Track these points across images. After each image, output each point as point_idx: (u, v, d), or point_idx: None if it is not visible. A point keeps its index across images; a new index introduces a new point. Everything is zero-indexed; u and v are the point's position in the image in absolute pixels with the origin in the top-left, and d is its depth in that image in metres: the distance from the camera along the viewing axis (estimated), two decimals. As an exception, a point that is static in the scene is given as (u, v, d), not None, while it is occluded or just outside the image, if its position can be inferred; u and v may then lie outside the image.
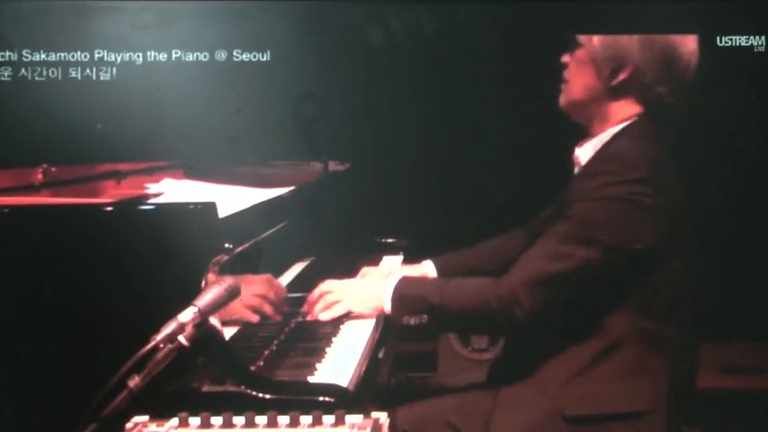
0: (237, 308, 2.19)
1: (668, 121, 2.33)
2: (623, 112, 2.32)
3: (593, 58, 2.31)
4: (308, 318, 2.38)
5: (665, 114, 2.32)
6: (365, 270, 2.74)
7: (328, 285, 2.41)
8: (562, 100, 2.39)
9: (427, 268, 2.69)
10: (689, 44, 2.31)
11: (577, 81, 2.35)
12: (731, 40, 2.54)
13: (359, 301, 2.37)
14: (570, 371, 2.25)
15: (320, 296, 2.39)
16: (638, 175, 2.20)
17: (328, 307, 2.36)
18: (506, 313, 2.21)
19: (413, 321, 2.32)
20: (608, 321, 2.23)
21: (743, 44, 2.54)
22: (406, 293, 2.33)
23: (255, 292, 2.26)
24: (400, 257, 3.22)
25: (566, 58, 2.37)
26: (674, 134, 2.33)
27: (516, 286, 2.20)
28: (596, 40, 2.31)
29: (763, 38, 2.53)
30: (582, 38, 2.33)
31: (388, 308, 2.33)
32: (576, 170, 2.37)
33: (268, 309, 2.31)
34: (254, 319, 2.25)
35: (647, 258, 2.20)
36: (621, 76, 2.29)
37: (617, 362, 2.23)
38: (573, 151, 2.39)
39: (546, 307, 2.21)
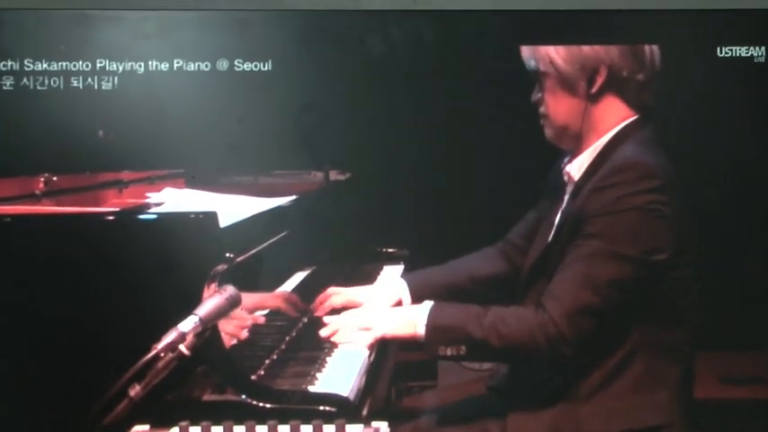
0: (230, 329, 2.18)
1: (662, 127, 2.33)
2: (611, 119, 2.31)
3: (564, 80, 2.30)
4: (336, 339, 2.33)
5: (654, 116, 2.32)
6: (333, 289, 2.66)
7: (356, 313, 2.39)
8: (548, 133, 2.37)
9: (399, 287, 2.65)
10: None
11: (558, 109, 2.33)
12: (731, 50, 2.54)
13: (393, 326, 2.34)
14: (585, 389, 2.23)
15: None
16: (654, 184, 2.18)
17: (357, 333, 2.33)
18: (554, 350, 2.19)
19: (449, 352, 2.29)
20: (622, 335, 2.22)
21: (743, 55, 2.54)
22: (443, 323, 2.29)
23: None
24: (401, 267, 3.22)
25: (535, 96, 2.36)
26: (669, 139, 2.33)
27: (558, 322, 2.17)
28: (559, 60, 2.29)
29: (763, 48, 2.53)
30: (543, 66, 2.32)
31: (422, 333, 2.29)
32: (571, 187, 2.36)
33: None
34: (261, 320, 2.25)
35: (665, 268, 2.19)
36: (600, 80, 2.29)
37: (632, 376, 2.22)
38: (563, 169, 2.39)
39: (591, 335, 2.19)
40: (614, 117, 2.31)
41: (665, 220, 2.19)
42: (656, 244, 2.18)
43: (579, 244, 2.20)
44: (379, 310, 2.40)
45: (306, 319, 2.49)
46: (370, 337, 2.31)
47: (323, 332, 2.34)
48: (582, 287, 2.17)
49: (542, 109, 2.37)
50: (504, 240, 2.54)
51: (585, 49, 2.28)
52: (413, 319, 2.31)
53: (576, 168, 2.34)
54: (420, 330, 2.29)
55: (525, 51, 2.35)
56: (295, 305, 2.38)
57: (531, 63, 2.35)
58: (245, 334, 2.21)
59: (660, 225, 2.19)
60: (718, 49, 2.53)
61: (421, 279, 2.65)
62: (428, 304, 2.33)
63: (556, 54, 2.30)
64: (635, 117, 2.31)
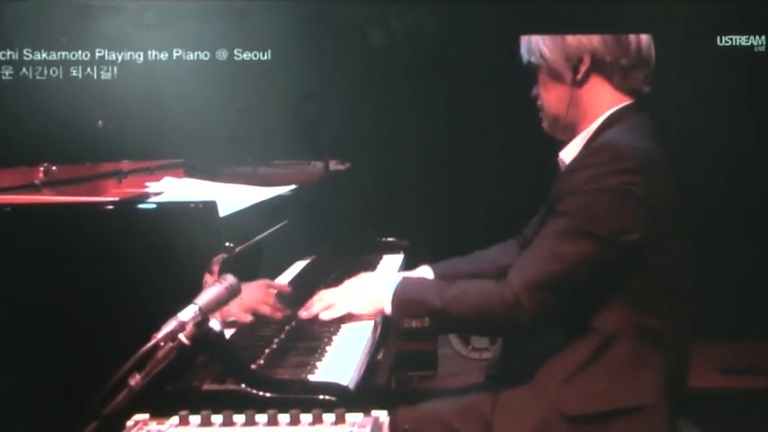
0: (235, 311, 2.18)
1: (657, 116, 2.34)
2: (600, 105, 2.33)
3: (552, 70, 2.33)
4: (305, 315, 2.37)
5: (652, 104, 2.33)
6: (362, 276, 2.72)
7: (328, 291, 2.42)
8: (545, 124, 2.41)
9: (424, 274, 2.69)
10: None
11: (549, 99, 2.37)
12: (731, 39, 2.54)
13: (359, 304, 2.37)
14: (568, 369, 2.25)
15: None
16: (626, 165, 2.19)
17: (328, 307, 2.36)
18: (510, 317, 2.21)
19: (414, 324, 2.31)
20: (603, 317, 2.23)
21: (743, 44, 2.54)
22: (406, 297, 2.32)
23: (254, 297, 2.26)
24: (400, 256, 3.22)
25: (534, 91, 2.40)
26: (663, 126, 2.34)
27: (517, 290, 2.19)
28: (546, 51, 2.33)
29: (763, 38, 2.53)
30: (534, 59, 2.35)
31: (388, 310, 2.33)
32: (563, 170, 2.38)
33: (265, 310, 2.30)
34: (248, 319, 2.24)
35: (640, 250, 2.20)
36: (583, 68, 2.31)
37: (614, 357, 2.23)
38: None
39: (548, 308, 2.21)
40: (603, 103, 2.33)
41: (636, 203, 2.20)
42: (626, 225, 2.19)
43: (551, 221, 2.23)
44: (348, 286, 2.42)
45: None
46: (336, 313, 2.34)
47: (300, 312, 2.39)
48: (546, 260, 2.20)
49: (539, 102, 2.40)
50: (521, 233, 2.59)
51: (569, 38, 2.31)
52: (379, 295, 2.33)
53: (566, 154, 2.37)
54: (387, 306, 2.32)
55: (522, 47, 2.40)
56: (280, 310, 2.38)
57: (525, 57, 2.38)
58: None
59: (630, 206, 2.20)
60: (718, 38, 2.54)
61: (446, 268, 2.68)
62: (395, 280, 2.36)
63: (543, 45, 2.33)
64: (627, 102, 2.32)
